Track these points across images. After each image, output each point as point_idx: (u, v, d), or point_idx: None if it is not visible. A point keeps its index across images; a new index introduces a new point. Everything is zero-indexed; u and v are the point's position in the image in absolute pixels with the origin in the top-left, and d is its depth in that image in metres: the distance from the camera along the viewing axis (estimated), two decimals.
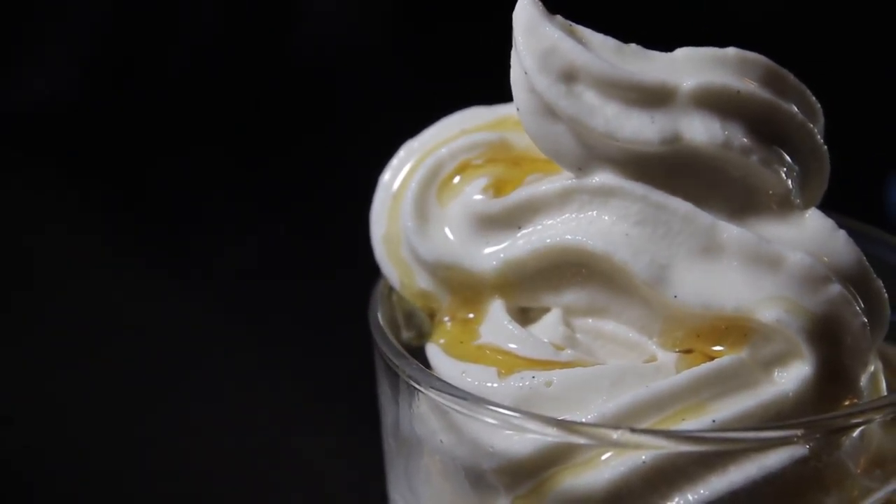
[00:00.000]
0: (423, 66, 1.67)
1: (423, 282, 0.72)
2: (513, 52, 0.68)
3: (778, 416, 0.62)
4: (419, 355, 0.70)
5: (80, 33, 1.78)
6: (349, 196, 0.81)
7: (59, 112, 1.76)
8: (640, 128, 0.65)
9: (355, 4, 1.86)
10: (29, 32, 1.78)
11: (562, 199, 0.68)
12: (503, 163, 0.72)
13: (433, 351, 0.70)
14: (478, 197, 0.70)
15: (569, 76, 0.66)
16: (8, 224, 1.63)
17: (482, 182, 0.71)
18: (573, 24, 0.68)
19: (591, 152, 0.66)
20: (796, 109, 0.68)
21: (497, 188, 0.71)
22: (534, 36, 0.66)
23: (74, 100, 1.79)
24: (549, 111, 0.66)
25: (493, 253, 0.69)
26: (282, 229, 1.57)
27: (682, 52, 0.68)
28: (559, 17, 0.67)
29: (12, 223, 1.63)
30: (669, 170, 0.66)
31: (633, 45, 0.68)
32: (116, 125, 1.76)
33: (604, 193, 0.66)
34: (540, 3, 0.67)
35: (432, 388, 0.65)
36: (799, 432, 0.61)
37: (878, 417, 0.63)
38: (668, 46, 0.69)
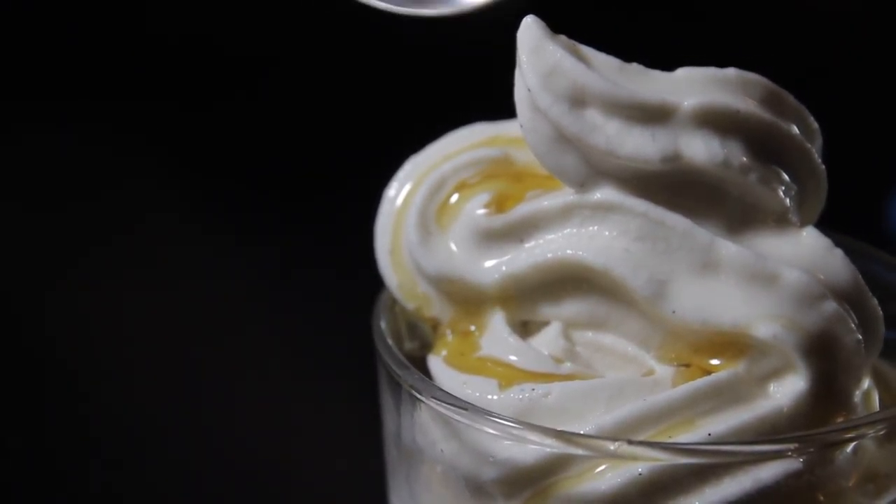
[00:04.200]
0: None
1: (423, 289, 0.73)
2: (516, 71, 0.69)
3: (773, 430, 0.63)
4: (422, 366, 0.71)
5: None
6: (359, 205, 0.82)
7: None
8: (641, 146, 0.66)
9: None
10: None
11: (563, 215, 0.69)
12: (505, 178, 0.73)
13: (435, 363, 0.71)
14: (480, 212, 0.71)
15: (571, 95, 0.67)
16: None
17: (484, 198, 0.72)
18: (577, 43, 0.69)
19: (593, 169, 0.67)
20: (795, 129, 0.69)
21: (499, 203, 0.72)
22: (537, 55, 0.67)
23: None
24: (552, 129, 0.67)
25: (495, 266, 0.70)
26: (290, 236, 1.57)
27: (682, 72, 0.69)
28: (563, 37, 0.68)
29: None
30: (669, 187, 0.67)
31: (634, 65, 0.69)
32: None
33: (604, 209, 0.67)
34: (543, 24, 0.68)
35: (434, 398, 0.66)
36: (793, 446, 0.62)
37: (870, 432, 0.64)
38: (669, 66, 0.70)
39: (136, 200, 1.66)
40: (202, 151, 1.71)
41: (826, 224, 0.70)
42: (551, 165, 0.69)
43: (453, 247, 0.72)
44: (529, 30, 0.68)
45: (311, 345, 1.38)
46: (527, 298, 0.70)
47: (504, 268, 0.70)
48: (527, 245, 0.70)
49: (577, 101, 0.67)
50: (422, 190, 0.73)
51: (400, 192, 0.75)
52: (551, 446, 0.63)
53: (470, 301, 0.71)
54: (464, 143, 0.75)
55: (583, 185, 0.68)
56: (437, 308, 0.73)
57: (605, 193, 0.67)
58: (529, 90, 0.67)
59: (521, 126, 0.69)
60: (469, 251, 0.71)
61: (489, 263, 0.70)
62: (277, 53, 1.80)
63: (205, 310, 1.46)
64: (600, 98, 0.66)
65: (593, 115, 0.67)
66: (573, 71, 0.67)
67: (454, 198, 0.73)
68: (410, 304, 0.74)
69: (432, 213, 0.73)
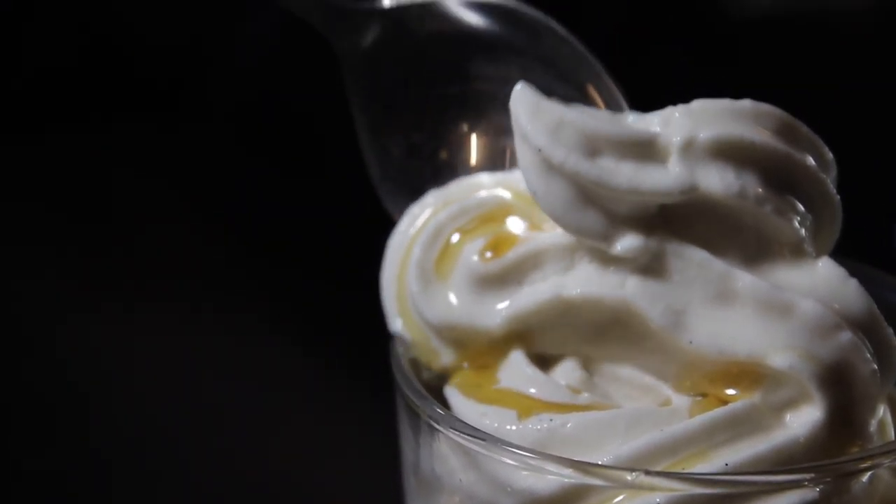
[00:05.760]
0: None
1: (434, 343, 0.74)
2: (517, 141, 0.68)
3: (789, 460, 0.64)
4: (440, 395, 0.71)
5: None
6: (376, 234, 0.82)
7: None
8: (660, 180, 0.66)
9: None
10: None
11: (570, 251, 0.69)
12: (501, 222, 0.74)
13: (452, 393, 0.71)
14: (476, 258, 0.72)
15: (583, 143, 0.67)
16: None
17: (480, 243, 0.73)
18: (568, 102, 0.69)
19: (615, 219, 0.67)
20: (810, 160, 0.69)
21: (496, 246, 0.72)
22: (539, 114, 0.68)
23: None
24: (569, 184, 0.67)
25: (497, 311, 0.71)
26: (306, 263, 1.57)
27: (698, 104, 0.69)
28: (555, 98, 0.69)
29: None
30: (686, 218, 0.67)
31: (626, 113, 0.71)
32: None
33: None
34: (534, 86, 0.69)
35: (452, 428, 0.67)
36: (809, 476, 0.62)
37: (886, 462, 0.64)
38: (684, 99, 0.70)
39: (149, 222, 1.66)
40: (218, 179, 1.72)
41: (839, 250, 0.71)
42: (573, 226, 0.68)
43: (452, 295, 0.72)
44: (524, 94, 0.68)
45: (327, 373, 1.38)
46: (538, 335, 0.70)
47: (505, 312, 0.70)
48: (529, 286, 0.70)
49: (590, 148, 0.67)
50: (421, 240, 0.74)
51: (402, 243, 0.76)
52: (569, 476, 0.63)
53: (480, 344, 0.72)
54: (463, 193, 0.76)
55: (606, 238, 0.67)
56: (446, 358, 0.73)
57: (626, 241, 0.67)
58: (540, 150, 0.67)
59: (534, 194, 0.68)
60: (469, 297, 0.71)
61: (491, 308, 0.71)
62: (292, 81, 1.81)
63: (221, 339, 1.46)
64: (612, 141, 0.67)
65: (607, 160, 0.67)
66: (579, 120, 0.67)
67: (455, 239, 0.74)
68: (426, 359, 0.74)
69: (431, 263, 0.73)
